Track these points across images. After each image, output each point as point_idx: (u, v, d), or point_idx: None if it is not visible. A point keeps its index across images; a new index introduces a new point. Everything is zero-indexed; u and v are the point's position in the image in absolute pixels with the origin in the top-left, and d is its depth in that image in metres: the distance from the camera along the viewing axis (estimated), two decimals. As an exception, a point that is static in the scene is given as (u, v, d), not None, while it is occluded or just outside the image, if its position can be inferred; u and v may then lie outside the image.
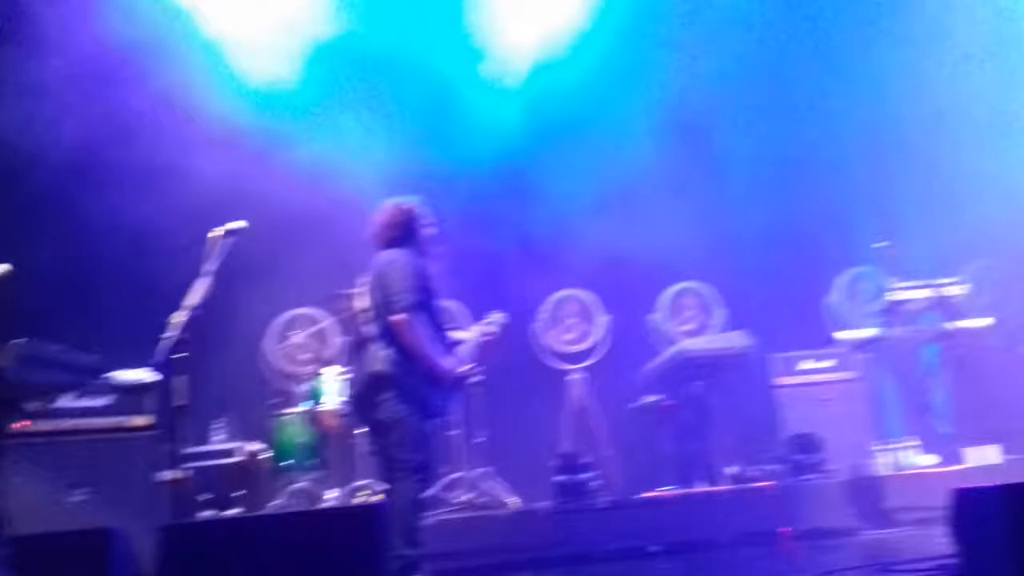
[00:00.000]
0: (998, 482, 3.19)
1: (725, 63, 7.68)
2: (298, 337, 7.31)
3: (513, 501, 6.37)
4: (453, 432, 6.55)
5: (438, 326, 4.63)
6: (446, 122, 7.68)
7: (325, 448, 6.65)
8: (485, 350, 4.91)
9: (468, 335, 4.94)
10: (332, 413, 6.46)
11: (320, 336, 7.34)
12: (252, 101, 7.50)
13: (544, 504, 6.14)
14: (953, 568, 3.32)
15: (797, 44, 7.85)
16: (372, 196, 5.16)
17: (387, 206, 4.78)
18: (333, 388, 6.51)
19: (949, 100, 7.36)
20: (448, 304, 6.19)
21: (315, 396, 6.56)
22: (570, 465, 6.13)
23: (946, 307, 6.75)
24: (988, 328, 6.93)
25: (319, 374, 6.70)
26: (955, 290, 6.87)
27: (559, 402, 7.53)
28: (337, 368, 6.63)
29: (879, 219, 7.51)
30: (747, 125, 7.85)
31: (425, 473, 4.52)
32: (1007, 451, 6.24)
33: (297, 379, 7.11)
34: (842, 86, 7.87)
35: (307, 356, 7.27)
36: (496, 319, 5.03)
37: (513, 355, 6.85)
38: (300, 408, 6.70)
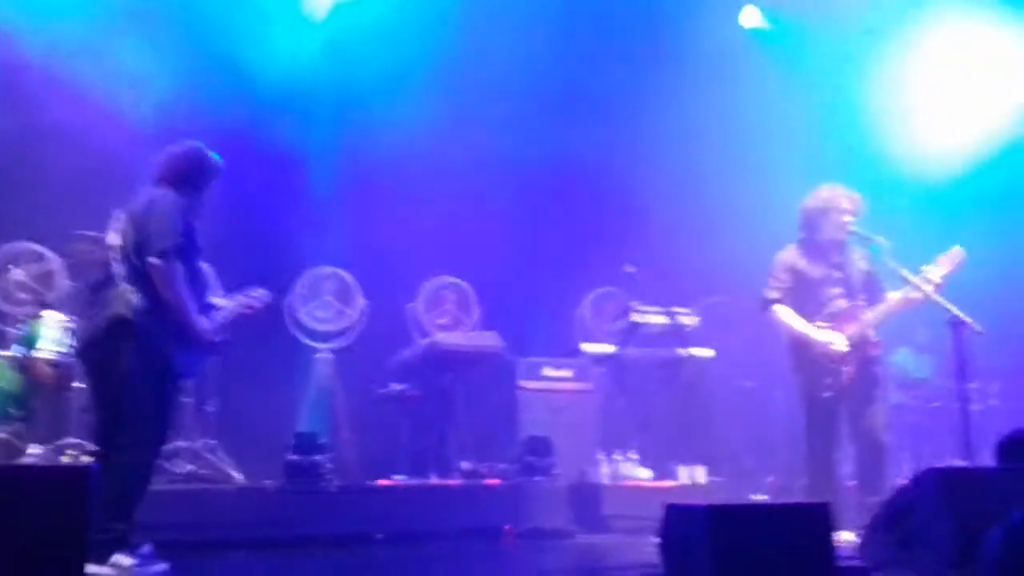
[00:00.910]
0: (702, 501, 3.48)
1: (503, 66, 7.77)
2: (19, 274, 6.59)
3: (239, 477, 6.14)
4: (183, 399, 6.17)
5: (196, 284, 4.34)
6: (238, 51, 7.25)
7: (34, 399, 6.05)
8: (238, 321, 4.69)
9: (226, 303, 4.69)
10: (47, 362, 5.92)
11: (45, 277, 6.64)
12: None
13: (272, 482, 5.96)
14: (656, 578, 3.56)
15: (570, 55, 8.08)
16: (141, 123, 4.78)
17: (174, 146, 4.41)
18: (52, 335, 5.95)
19: (707, 138, 7.97)
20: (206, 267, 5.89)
21: (29, 341, 5.98)
22: (304, 445, 5.98)
23: (678, 334, 7.25)
24: (711, 359, 7.54)
25: (38, 317, 6.10)
26: (688, 319, 7.39)
27: (303, 380, 7.34)
28: (59, 316, 6.07)
29: (631, 244, 8.00)
30: (523, 132, 8.07)
31: (154, 439, 4.19)
32: (712, 473, 6.81)
33: (11, 320, 6.43)
34: (610, 111, 8.27)
35: (26, 296, 6.56)
36: (260, 294, 4.83)
37: (261, 325, 6.63)
38: (10, 352, 6.06)
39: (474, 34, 7.66)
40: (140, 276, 4.09)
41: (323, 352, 7.39)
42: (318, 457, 5.92)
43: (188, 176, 4.34)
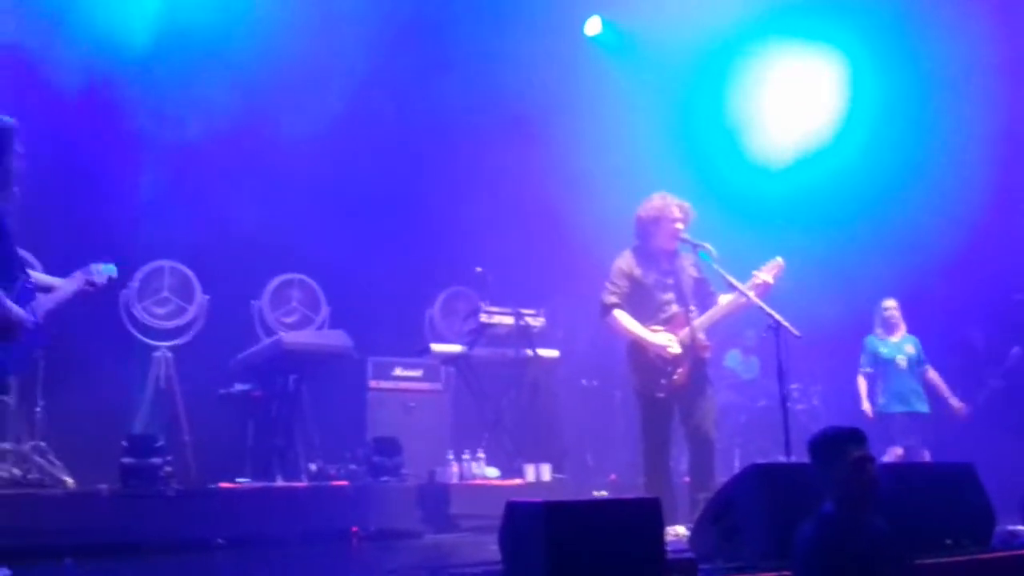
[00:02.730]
0: (546, 498, 3.60)
1: (350, 59, 7.71)
2: None
3: (69, 480, 5.86)
4: (6, 398, 5.82)
5: (10, 271, 4.08)
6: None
7: None
8: (69, 313, 4.46)
9: (63, 282, 4.44)
10: None
11: None
12: None
13: (106, 486, 5.71)
14: (497, 574, 3.65)
15: (414, 58, 8.11)
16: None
17: None
18: None
19: (552, 144, 8.19)
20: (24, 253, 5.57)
21: None
22: (141, 448, 5.77)
23: (525, 335, 7.42)
24: (557, 359, 7.75)
25: None
26: (534, 321, 7.57)
27: (140, 379, 7.04)
28: None
29: (481, 245, 8.13)
30: (374, 129, 8.05)
31: None
32: (557, 471, 7.01)
33: None
34: (459, 113, 8.36)
35: None
36: (102, 269, 4.59)
37: (93, 321, 6.34)
38: None
39: (320, 29, 7.56)
40: None
41: (161, 350, 7.12)
42: (155, 460, 5.73)
43: None
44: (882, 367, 7.43)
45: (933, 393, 7.48)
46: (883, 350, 7.45)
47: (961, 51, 7.91)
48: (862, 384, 7.50)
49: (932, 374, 7.47)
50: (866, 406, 7.39)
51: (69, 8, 6.94)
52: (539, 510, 3.44)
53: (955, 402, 7.48)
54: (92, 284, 4.50)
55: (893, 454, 7.07)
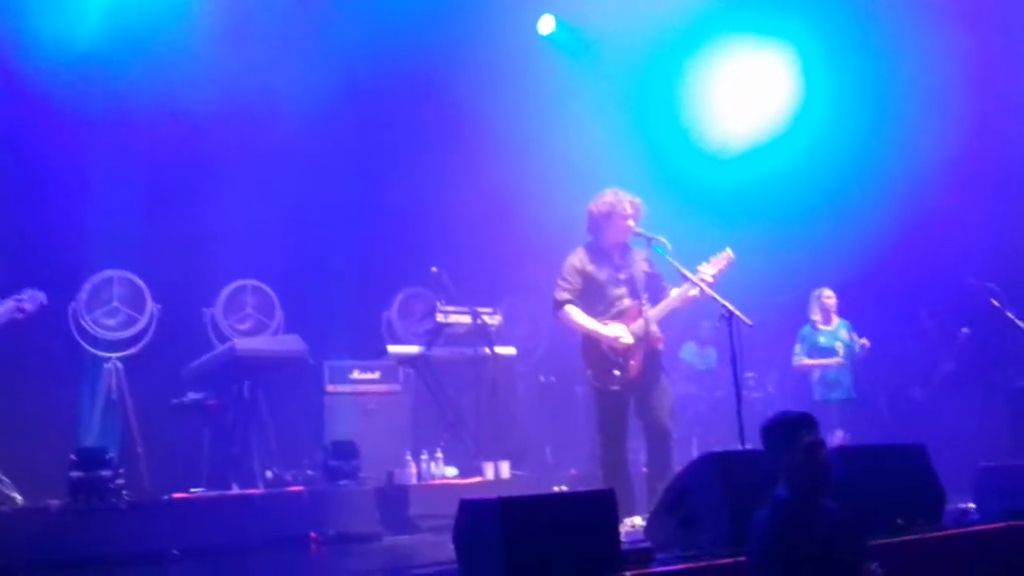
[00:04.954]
0: (502, 495, 3.59)
1: (304, 57, 7.65)
2: None
3: (17, 497, 5.73)
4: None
5: None
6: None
7: None
8: (10, 328, 4.38)
9: None
10: None
11: None
12: None
13: (56, 502, 5.58)
14: (453, 573, 3.63)
15: (376, 51, 7.98)
16: None
17: None
18: None
19: (507, 142, 8.17)
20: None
21: None
22: (90, 461, 5.65)
23: (483, 333, 7.40)
24: (515, 357, 7.73)
25: None
26: (491, 319, 7.55)
27: (89, 391, 6.90)
28: None
29: (436, 245, 8.09)
30: (327, 131, 7.97)
31: None
32: (516, 467, 6.99)
33: None
34: (412, 112, 8.31)
35: None
36: (34, 295, 4.52)
37: (41, 334, 6.20)
38: None
39: (271, 31, 7.48)
40: None
41: (112, 361, 6.98)
42: (105, 472, 5.61)
43: None
44: (820, 356, 7.50)
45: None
46: (821, 339, 7.53)
47: (912, 41, 8.02)
48: (804, 367, 7.55)
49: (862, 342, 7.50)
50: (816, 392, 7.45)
51: (6, 7, 6.78)
52: (492, 506, 3.42)
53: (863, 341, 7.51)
54: (22, 311, 4.43)
55: (836, 438, 7.15)
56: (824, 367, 7.50)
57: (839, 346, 7.49)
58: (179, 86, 7.08)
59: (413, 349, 7.47)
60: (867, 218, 8.11)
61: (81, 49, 6.91)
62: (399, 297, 8.36)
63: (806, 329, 7.64)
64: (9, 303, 4.45)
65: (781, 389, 8.57)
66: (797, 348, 7.63)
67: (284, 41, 7.54)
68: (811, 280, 7.93)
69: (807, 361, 7.57)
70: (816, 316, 7.61)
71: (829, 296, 7.61)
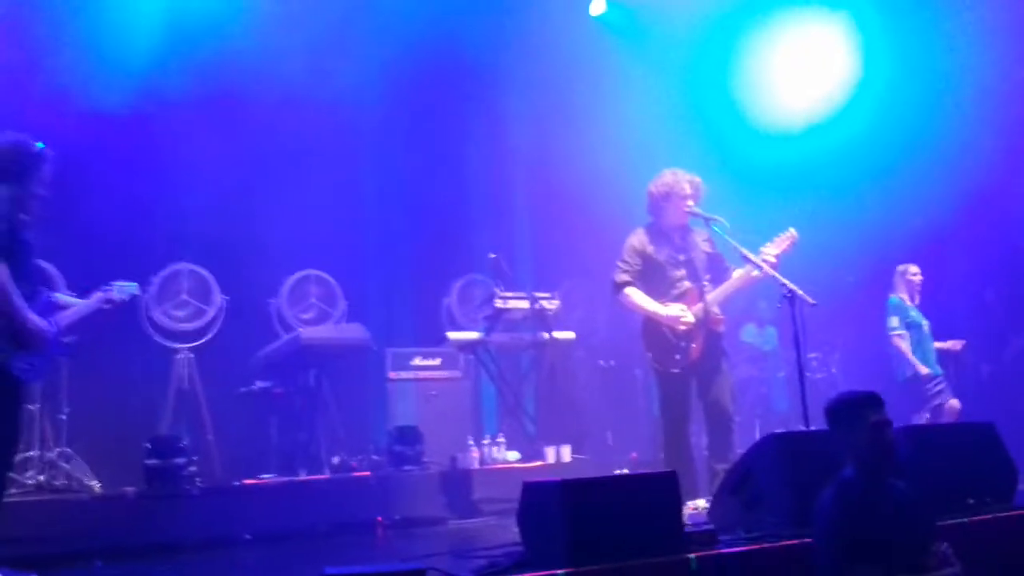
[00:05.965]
0: (563, 478, 3.62)
1: (365, 53, 7.72)
2: None
3: (95, 485, 5.94)
4: (31, 406, 5.90)
5: (31, 284, 4.15)
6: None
7: None
8: (91, 321, 4.54)
9: (77, 301, 4.52)
10: None
11: None
12: None
13: (132, 489, 5.78)
14: (518, 554, 3.68)
15: (426, 40, 7.96)
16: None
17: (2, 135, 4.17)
18: None
19: (565, 125, 8.16)
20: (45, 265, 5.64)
21: None
22: (164, 449, 5.83)
23: (542, 318, 7.42)
24: (573, 341, 7.75)
25: None
26: (549, 304, 7.56)
27: (162, 382, 7.11)
28: None
29: (494, 232, 8.13)
30: (386, 122, 8.05)
31: (5, 450, 4.02)
32: (577, 451, 7.01)
33: None
34: (469, 99, 8.33)
35: None
36: (123, 287, 4.68)
37: (114, 327, 6.39)
38: None
39: (327, 25, 7.57)
40: None
41: (182, 352, 7.18)
42: (179, 460, 5.79)
43: (9, 169, 4.11)
44: (915, 331, 7.19)
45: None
46: (913, 314, 7.23)
47: (973, 16, 7.79)
48: (904, 345, 7.11)
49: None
50: (922, 369, 7.04)
51: (72, 20, 6.97)
52: (555, 488, 3.46)
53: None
54: (111, 302, 4.57)
55: (952, 408, 6.93)
56: (922, 341, 7.12)
57: (926, 324, 7.20)
58: (242, 80, 7.21)
59: (473, 335, 7.53)
60: (926, 194, 7.91)
61: (145, 45, 7.08)
62: (458, 284, 8.42)
63: (895, 300, 7.25)
64: (98, 295, 4.60)
65: (844, 369, 8.45)
66: (895, 321, 7.17)
67: (343, 32, 7.60)
68: (872, 258, 7.78)
69: (937, 344, 7.20)
70: (903, 294, 7.28)
71: (915, 273, 7.29)
